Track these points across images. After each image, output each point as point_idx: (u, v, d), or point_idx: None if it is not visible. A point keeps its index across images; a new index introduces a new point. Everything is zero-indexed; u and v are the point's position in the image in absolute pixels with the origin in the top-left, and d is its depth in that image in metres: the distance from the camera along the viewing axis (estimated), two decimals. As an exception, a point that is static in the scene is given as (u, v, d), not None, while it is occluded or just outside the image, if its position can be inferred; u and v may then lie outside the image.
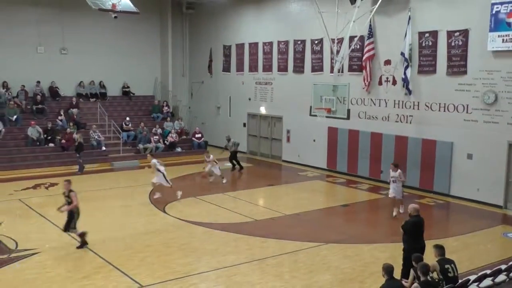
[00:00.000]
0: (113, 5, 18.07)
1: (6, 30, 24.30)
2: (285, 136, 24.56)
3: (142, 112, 27.96)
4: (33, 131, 22.75)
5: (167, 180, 17.16)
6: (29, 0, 24.76)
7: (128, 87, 28.46)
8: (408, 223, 9.98)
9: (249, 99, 26.40)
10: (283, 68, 24.15)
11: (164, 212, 15.76)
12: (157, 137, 25.36)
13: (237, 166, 22.11)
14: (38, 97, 24.83)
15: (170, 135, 25.87)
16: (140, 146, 24.65)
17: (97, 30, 26.46)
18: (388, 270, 8.07)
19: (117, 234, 13.45)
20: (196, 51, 30.10)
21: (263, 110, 25.76)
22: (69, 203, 12.10)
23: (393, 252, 11.81)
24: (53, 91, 26.01)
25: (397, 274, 8.81)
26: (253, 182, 20.91)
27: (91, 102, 26.63)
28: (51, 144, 23.06)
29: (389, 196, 15.52)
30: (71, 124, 24.02)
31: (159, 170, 17.04)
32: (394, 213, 15.21)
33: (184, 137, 26.84)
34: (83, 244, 12.21)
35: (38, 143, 22.66)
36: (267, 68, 25.10)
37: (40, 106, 24.62)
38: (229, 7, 26.91)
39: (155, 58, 29.25)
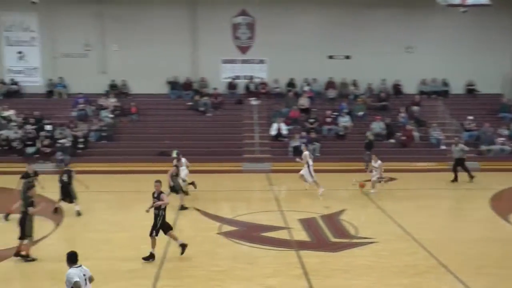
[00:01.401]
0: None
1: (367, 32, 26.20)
2: None
3: (487, 111, 26.17)
4: (377, 126, 24.01)
5: (311, 175, 16.96)
6: (376, 1, 26.07)
7: (473, 84, 27.08)
8: None
9: None
10: None
11: (507, 220, 14.48)
12: (503, 138, 23.36)
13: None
14: (383, 95, 26.08)
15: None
16: (483, 147, 23.18)
17: (443, 26, 26.03)
18: None
19: (450, 237, 13.06)
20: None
21: None
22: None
23: None
24: (397, 89, 26.91)
25: None
26: None
27: (432, 100, 26.45)
28: (391, 140, 23.91)
29: None
30: (411, 121, 24.41)
31: (307, 163, 16.82)
32: None
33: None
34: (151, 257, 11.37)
35: (380, 138, 23.81)
36: None
37: (383, 103, 25.82)
38: None
39: (505, 53, 26.89)
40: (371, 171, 18.08)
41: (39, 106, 25.06)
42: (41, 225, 13.71)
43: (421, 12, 25.80)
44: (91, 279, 7.74)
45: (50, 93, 25.96)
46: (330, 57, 26.78)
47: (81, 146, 22.47)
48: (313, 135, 23.24)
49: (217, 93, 26.03)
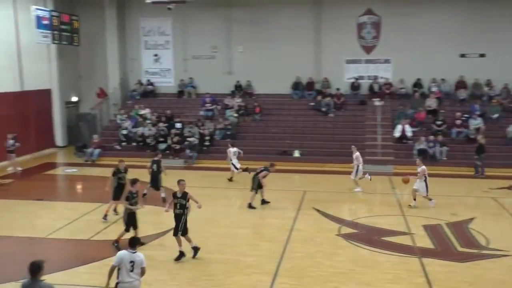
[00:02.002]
0: None
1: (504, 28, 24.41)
2: None
3: None
4: (514, 129, 22.20)
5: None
6: None
7: None
8: None
9: None
10: None
11: None
12: None
13: None
14: (521, 96, 24.02)
15: None
16: None
17: None
18: None
19: None
20: None
21: None
22: (183, 205, 11.18)
23: None
24: (536, 89, 24.62)
25: None
26: None
27: None
28: (530, 145, 21.94)
29: None
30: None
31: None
32: None
33: None
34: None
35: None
36: None
37: (522, 104, 23.79)
38: None
39: None
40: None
41: (171, 105, 26.72)
42: (168, 217, 14.66)
43: None
44: (140, 268, 7.91)
45: (180, 93, 27.56)
46: (462, 55, 25.23)
47: (207, 143, 23.55)
48: (440, 137, 22.08)
49: (339, 93, 25.78)
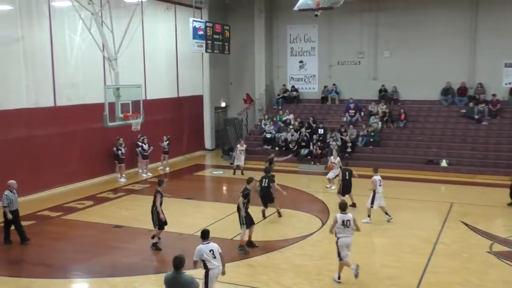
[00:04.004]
0: None
1: None
2: None
3: None
4: None
5: None
6: None
7: None
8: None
9: None
10: None
11: None
12: None
13: None
14: None
15: None
16: None
17: None
18: None
19: None
20: None
21: None
22: None
23: None
24: None
25: None
26: None
27: None
28: None
29: None
30: None
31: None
32: None
33: None
34: None
35: None
36: None
37: None
38: None
39: None
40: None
41: (314, 111, 26.94)
42: (309, 222, 14.79)
43: None
44: (220, 253, 8.80)
45: (324, 99, 27.63)
46: None
47: (348, 150, 23.29)
48: None
49: (496, 99, 23.77)
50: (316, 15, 22.61)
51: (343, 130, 24.19)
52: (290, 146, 24.36)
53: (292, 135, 24.72)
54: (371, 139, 23.71)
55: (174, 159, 24.49)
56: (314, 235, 13.55)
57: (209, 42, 24.83)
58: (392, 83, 26.11)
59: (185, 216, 15.55)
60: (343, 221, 10.34)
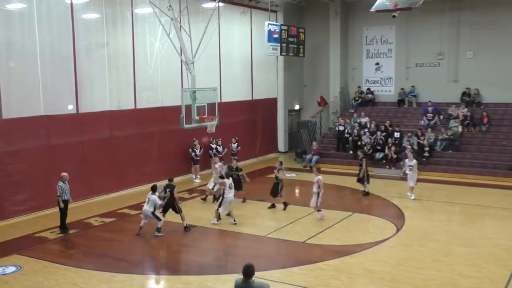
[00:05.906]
0: None
1: None
2: None
3: None
4: None
5: None
6: None
7: None
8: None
9: None
10: None
11: None
12: None
13: None
14: None
15: None
16: None
17: None
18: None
19: None
20: None
21: None
22: None
23: None
24: None
25: None
26: None
27: None
28: None
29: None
30: None
31: None
32: None
33: None
34: None
35: None
36: None
37: None
38: None
39: None
40: None
41: (390, 114, 26.26)
42: (384, 227, 14.45)
43: None
44: None
45: (401, 102, 26.87)
46: None
47: (426, 154, 22.48)
48: None
49: None
50: (394, 16, 22.06)
51: (420, 133, 23.41)
52: (365, 149, 23.89)
53: (367, 138, 24.24)
54: (451, 143, 22.78)
55: (247, 161, 24.73)
56: (389, 241, 13.22)
57: (284, 45, 24.91)
58: (474, 85, 24.91)
59: (258, 218, 15.69)
60: None
